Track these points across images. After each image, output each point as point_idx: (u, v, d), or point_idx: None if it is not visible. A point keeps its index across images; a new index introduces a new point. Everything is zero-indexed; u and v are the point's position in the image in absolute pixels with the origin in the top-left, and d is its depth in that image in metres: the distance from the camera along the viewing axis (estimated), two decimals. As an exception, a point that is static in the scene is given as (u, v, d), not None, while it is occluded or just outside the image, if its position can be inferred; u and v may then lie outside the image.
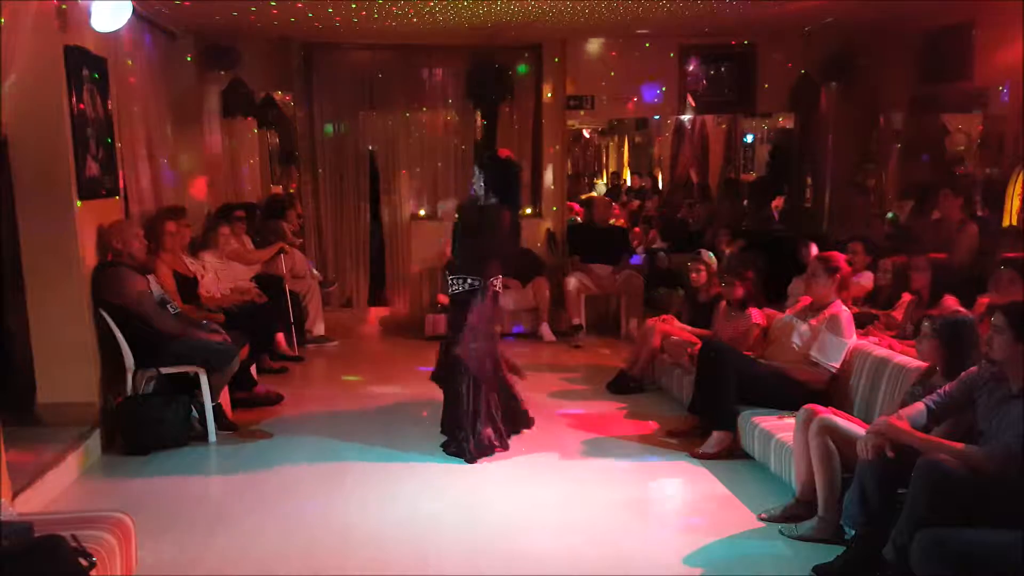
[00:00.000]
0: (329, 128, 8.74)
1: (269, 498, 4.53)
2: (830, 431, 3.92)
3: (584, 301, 8.27)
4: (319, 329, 8.11)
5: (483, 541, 4.02)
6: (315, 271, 8.37)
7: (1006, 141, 6.76)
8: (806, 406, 4.14)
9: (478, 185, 5.26)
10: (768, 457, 4.56)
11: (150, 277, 5.50)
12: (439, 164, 8.94)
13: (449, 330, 5.45)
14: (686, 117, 11.07)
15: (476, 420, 5.13)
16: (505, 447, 5.19)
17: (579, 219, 9.75)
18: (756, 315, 5.60)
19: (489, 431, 5.15)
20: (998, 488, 3.14)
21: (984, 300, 4.88)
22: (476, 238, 5.24)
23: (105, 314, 5.16)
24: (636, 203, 12.47)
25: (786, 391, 4.78)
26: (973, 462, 3.21)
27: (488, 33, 7.89)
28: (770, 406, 4.84)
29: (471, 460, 5.01)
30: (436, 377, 5.50)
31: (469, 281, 5.14)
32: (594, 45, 8.73)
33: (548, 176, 8.98)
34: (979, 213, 6.81)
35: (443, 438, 5.25)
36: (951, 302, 4.92)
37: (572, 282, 8.17)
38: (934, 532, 3.04)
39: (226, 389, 5.66)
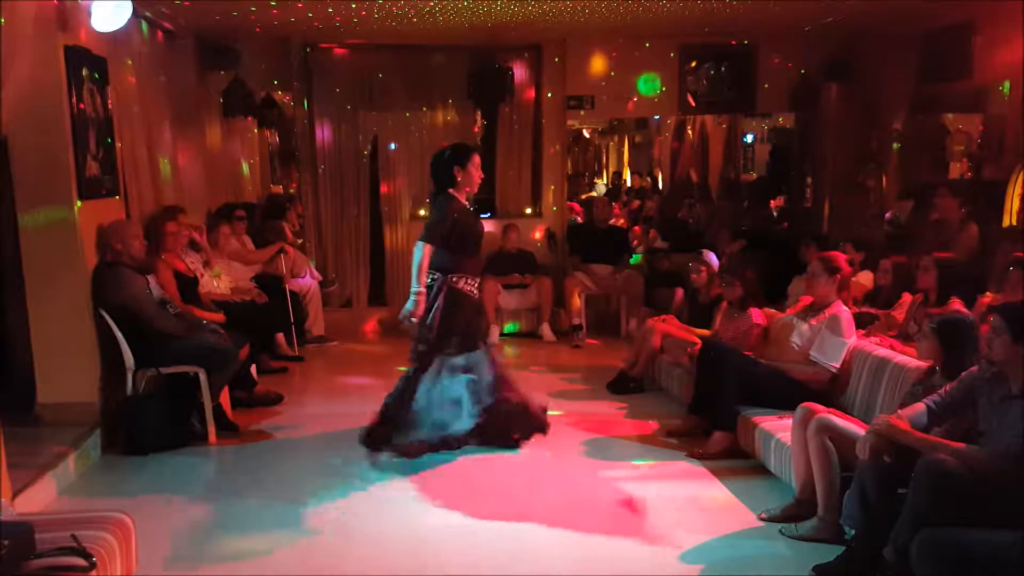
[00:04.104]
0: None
1: (269, 498, 4.53)
2: (828, 430, 3.92)
3: (584, 301, 8.28)
4: (319, 329, 8.11)
5: (482, 541, 4.02)
6: (316, 271, 8.38)
7: (1006, 141, 6.76)
8: (803, 404, 4.15)
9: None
10: (768, 457, 4.56)
11: (150, 277, 5.50)
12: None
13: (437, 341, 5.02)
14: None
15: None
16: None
17: (579, 219, 9.74)
18: (757, 315, 5.60)
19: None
20: (998, 488, 3.14)
21: (985, 300, 4.87)
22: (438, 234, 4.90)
23: (105, 314, 5.16)
24: (636, 203, 12.48)
25: (786, 391, 4.76)
26: (974, 462, 3.20)
27: (488, 33, 7.90)
28: (770, 406, 4.83)
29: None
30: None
31: (432, 278, 4.94)
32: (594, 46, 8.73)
33: (548, 176, 8.98)
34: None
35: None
36: (957, 304, 4.91)
37: (572, 282, 8.18)
38: (934, 532, 3.04)
39: (226, 389, 5.66)
